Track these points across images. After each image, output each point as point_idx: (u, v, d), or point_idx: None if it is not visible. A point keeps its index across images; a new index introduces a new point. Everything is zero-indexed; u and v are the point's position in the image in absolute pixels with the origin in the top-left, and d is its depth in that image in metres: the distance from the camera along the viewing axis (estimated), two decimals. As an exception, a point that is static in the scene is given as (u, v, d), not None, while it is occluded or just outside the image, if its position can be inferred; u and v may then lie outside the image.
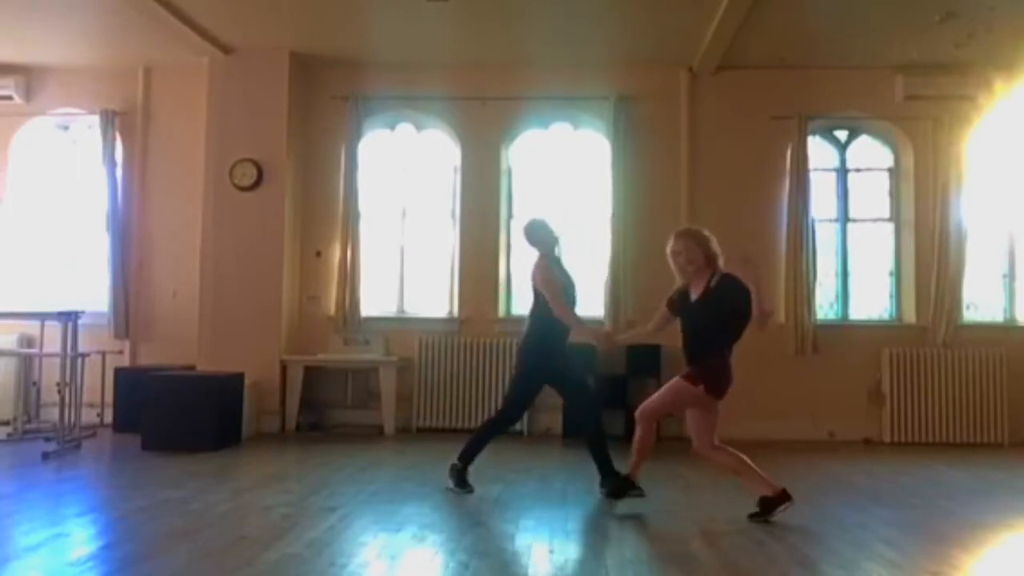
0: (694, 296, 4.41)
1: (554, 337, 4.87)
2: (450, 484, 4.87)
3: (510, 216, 8.04)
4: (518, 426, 7.42)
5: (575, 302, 4.99)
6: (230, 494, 4.75)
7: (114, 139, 8.11)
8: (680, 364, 7.51)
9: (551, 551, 3.71)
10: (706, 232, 4.46)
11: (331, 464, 5.83)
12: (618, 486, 4.62)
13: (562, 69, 7.74)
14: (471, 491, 4.84)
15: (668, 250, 4.47)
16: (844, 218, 7.94)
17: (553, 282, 4.83)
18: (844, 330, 7.71)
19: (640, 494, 4.72)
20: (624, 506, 4.57)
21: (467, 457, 4.92)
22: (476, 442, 4.95)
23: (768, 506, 4.29)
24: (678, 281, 4.51)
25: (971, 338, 7.50)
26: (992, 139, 7.63)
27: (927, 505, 4.81)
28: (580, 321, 4.95)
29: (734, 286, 4.31)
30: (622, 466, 4.97)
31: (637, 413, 4.52)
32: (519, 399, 5.01)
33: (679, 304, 4.50)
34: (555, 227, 5.11)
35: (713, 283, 4.35)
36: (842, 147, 8.04)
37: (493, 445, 5.10)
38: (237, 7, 6.76)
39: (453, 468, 4.92)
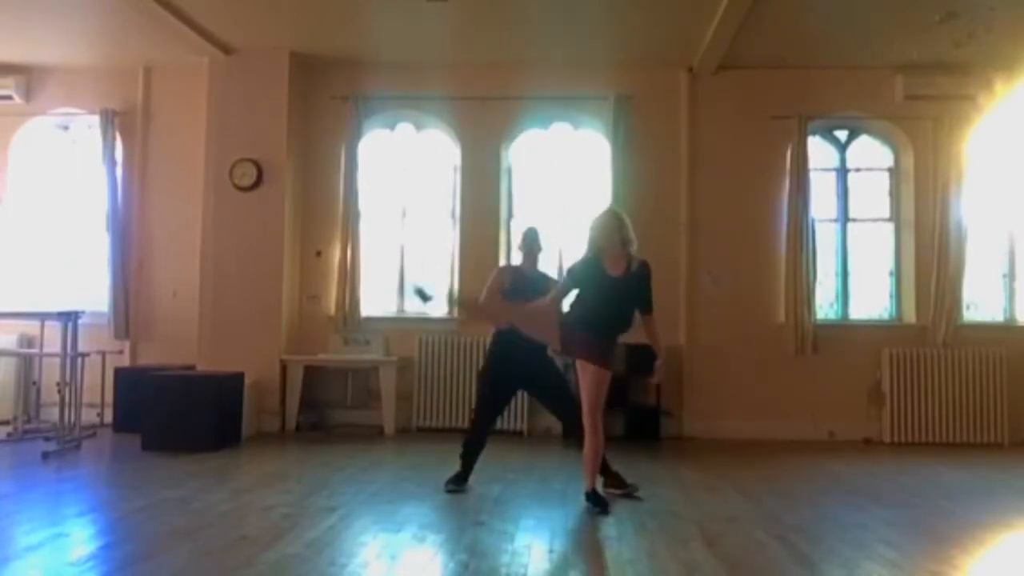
0: (615, 273, 4.54)
1: (507, 339, 4.95)
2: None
3: (510, 216, 8.04)
4: (519, 426, 7.46)
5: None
6: (230, 494, 4.75)
7: (114, 139, 8.11)
8: (685, 363, 7.49)
9: (551, 551, 3.71)
10: None
11: (331, 464, 5.83)
12: (598, 500, 4.51)
13: (562, 69, 7.74)
14: (463, 491, 4.90)
15: (604, 224, 4.63)
16: (844, 218, 7.94)
17: (489, 286, 5.14)
18: (844, 330, 7.71)
19: (633, 492, 4.77)
20: (624, 506, 4.57)
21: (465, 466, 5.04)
22: (465, 458, 5.03)
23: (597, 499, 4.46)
24: (593, 250, 4.63)
25: (971, 338, 7.50)
26: (992, 139, 7.63)
27: (927, 505, 4.81)
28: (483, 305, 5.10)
29: (647, 274, 4.60)
30: (620, 464, 4.98)
31: (591, 422, 4.47)
32: (479, 405, 5.16)
33: (593, 277, 4.56)
34: (541, 239, 5.32)
35: (634, 267, 4.57)
36: (842, 147, 8.03)
37: (493, 446, 5.11)
38: (237, 7, 6.75)
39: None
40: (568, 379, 5.16)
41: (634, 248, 4.61)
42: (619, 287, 4.53)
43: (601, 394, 4.50)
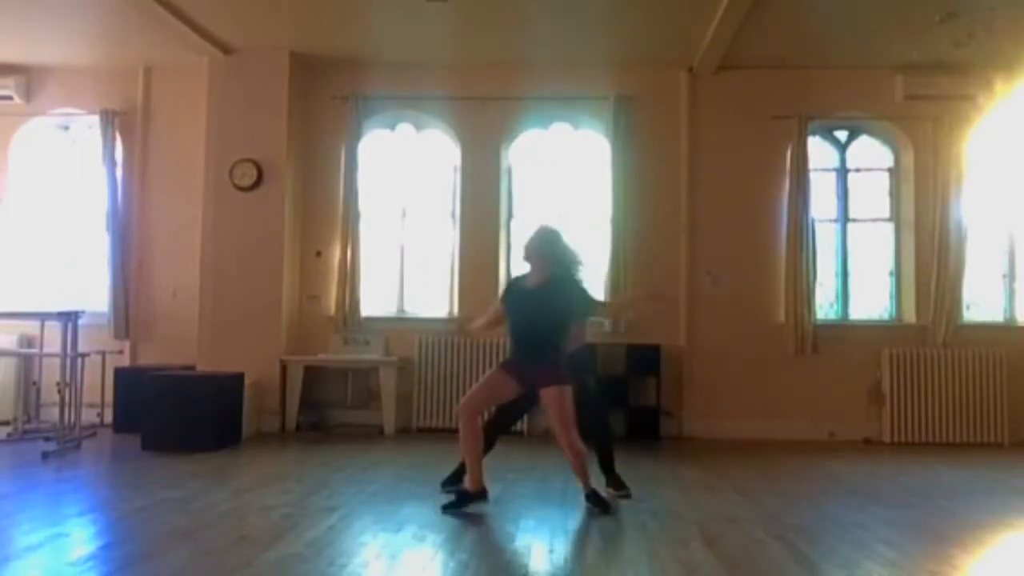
0: (532, 286, 4.51)
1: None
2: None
3: (510, 216, 8.04)
4: (519, 426, 7.46)
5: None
6: (230, 494, 4.75)
7: (114, 139, 8.11)
8: (685, 363, 7.47)
9: (551, 551, 3.71)
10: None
11: (331, 464, 5.83)
12: (598, 500, 4.46)
13: (562, 69, 7.74)
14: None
15: (526, 241, 4.61)
16: (844, 218, 7.94)
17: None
18: (844, 330, 7.71)
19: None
20: (624, 506, 4.57)
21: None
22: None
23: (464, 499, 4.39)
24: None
25: (971, 338, 7.49)
26: (992, 139, 7.63)
27: (927, 505, 4.81)
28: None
29: (566, 277, 4.51)
30: (620, 463, 4.98)
31: (567, 441, 4.35)
32: (497, 409, 5.05)
33: (516, 295, 4.57)
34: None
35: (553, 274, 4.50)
36: (842, 147, 8.03)
37: (495, 445, 5.11)
38: (237, 7, 6.75)
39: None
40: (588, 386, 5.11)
41: (558, 259, 4.48)
42: (535, 299, 4.45)
43: (565, 410, 4.35)
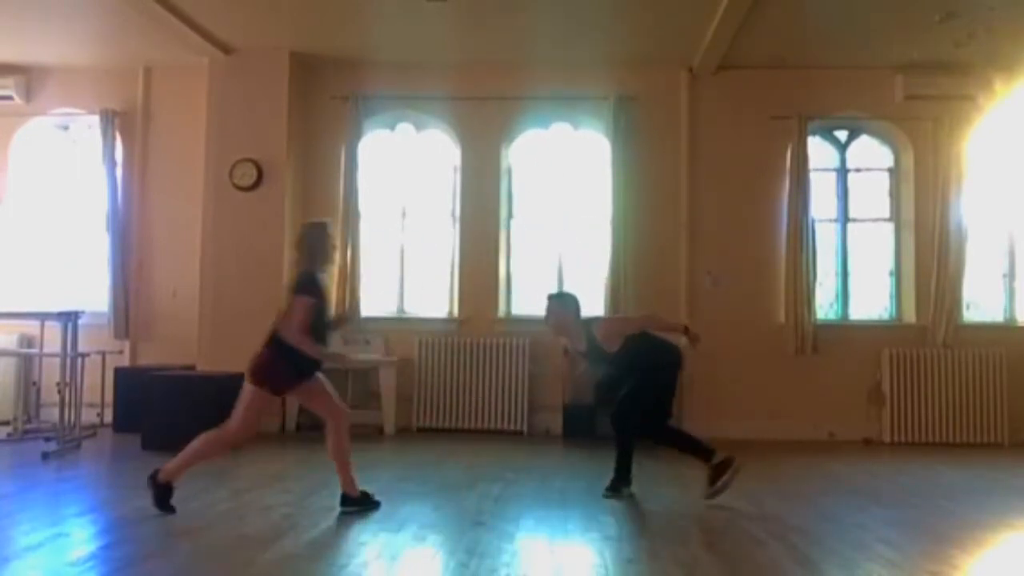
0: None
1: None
2: None
3: (510, 216, 8.04)
4: (519, 426, 7.48)
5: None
6: (230, 494, 4.75)
7: (114, 139, 8.11)
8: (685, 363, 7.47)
9: (551, 551, 3.71)
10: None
11: (331, 464, 5.78)
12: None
13: (562, 69, 7.74)
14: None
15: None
16: (844, 218, 7.93)
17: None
18: (844, 330, 7.71)
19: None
20: (624, 506, 4.57)
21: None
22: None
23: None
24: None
25: (971, 338, 7.49)
26: (992, 139, 7.63)
27: (927, 505, 4.82)
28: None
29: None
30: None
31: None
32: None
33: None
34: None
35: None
36: (842, 147, 8.03)
37: (493, 445, 5.12)
38: (237, 7, 6.75)
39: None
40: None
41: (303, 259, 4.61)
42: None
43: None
